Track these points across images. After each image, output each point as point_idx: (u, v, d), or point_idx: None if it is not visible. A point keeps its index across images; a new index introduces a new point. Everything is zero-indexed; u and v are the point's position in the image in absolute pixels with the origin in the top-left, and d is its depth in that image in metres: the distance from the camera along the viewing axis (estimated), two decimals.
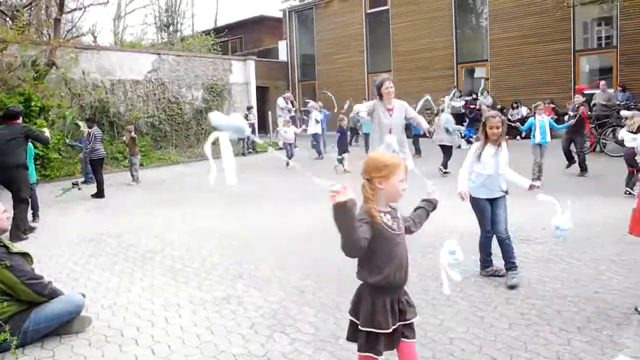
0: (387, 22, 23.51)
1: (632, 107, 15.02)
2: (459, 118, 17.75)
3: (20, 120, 7.75)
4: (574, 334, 3.77)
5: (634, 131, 7.98)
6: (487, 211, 4.90)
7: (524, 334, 3.79)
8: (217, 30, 30.05)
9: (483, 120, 4.85)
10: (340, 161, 13.36)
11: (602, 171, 11.22)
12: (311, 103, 17.61)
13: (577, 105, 11.13)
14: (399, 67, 22.89)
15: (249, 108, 20.62)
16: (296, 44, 27.59)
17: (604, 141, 14.24)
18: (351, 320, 2.63)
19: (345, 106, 17.59)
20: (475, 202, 4.93)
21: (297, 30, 27.55)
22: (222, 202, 9.73)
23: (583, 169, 10.81)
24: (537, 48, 19.02)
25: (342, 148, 13.70)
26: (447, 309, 4.25)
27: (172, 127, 19.01)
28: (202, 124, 20.03)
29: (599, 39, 19.20)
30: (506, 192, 4.93)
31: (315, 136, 16.20)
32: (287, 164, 13.43)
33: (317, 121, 16.17)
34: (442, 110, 12.64)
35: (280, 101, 19.12)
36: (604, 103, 15.36)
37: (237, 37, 32.62)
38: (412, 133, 15.49)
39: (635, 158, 7.05)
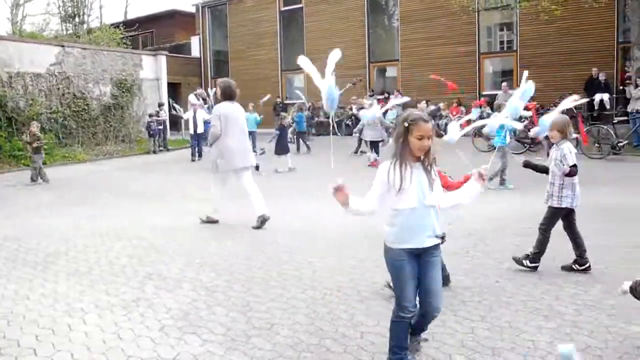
0: (301, 20, 23.64)
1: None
2: None
3: None
4: (477, 322, 3.96)
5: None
6: (405, 274, 3.10)
7: (431, 324, 3.92)
8: (127, 24, 28.92)
9: (405, 123, 3.06)
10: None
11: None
12: (193, 100, 17.46)
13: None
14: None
15: (160, 105, 20.02)
16: (209, 39, 27.13)
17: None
18: None
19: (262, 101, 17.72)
20: (390, 256, 3.16)
21: (210, 25, 27.09)
22: (131, 201, 9.39)
23: None
24: (445, 50, 19.83)
25: (283, 149, 12.88)
26: (358, 304, 4.33)
27: (78, 124, 18.05)
28: (111, 121, 19.19)
29: (501, 43, 20.37)
30: (443, 238, 3.24)
31: (197, 136, 15.86)
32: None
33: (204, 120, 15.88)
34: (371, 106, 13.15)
35: (192, 97, 18.72)
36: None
37: (148, 31, 31.59)
38: (296, 130, 16.02)
39: None
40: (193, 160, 15.66)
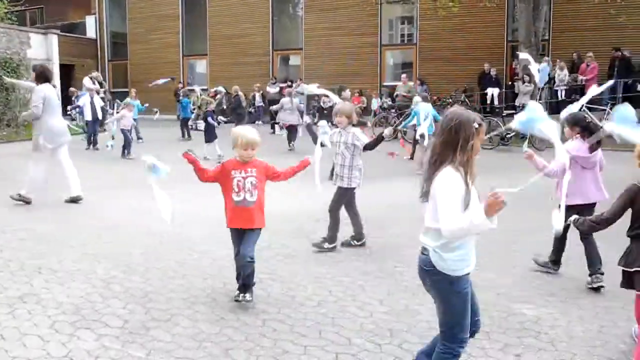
0: (204, 4, 23.03)
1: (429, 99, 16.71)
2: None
3: None
4: (375, 306, 4.09)
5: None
6: (469, 301, 2.74)
7: (331, 310, 4.02)
8: None
9: (475, 124, 2.59)
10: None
11: (402, 156, 12.29)
12: (89, 84, 16.58)
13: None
14: (215, 50, 22.65)
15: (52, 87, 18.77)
16: (106, 20, 25.72)
17: (404, 129, 15.62)
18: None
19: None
20: (451, 288, 2.69)
21: (107, 5, 25.67)
22: (17, 190, 8.73)
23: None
24: (348, 40, 20.17)
25: (212, 136, 12.29)
26: (259, 292, 4.33)
27: None
28: None
29: (402, 36, 21.11)
30: None
31: (93, 123, 14.72)
32: (127, 153, 12.49)
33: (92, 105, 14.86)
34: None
35: (87, 81, 17.70)
36: (405, 94, 16.90)
37: (37, 7, 29.38)
38: (181, 117, 16.12)
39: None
40: (87, 149, 14.62)
